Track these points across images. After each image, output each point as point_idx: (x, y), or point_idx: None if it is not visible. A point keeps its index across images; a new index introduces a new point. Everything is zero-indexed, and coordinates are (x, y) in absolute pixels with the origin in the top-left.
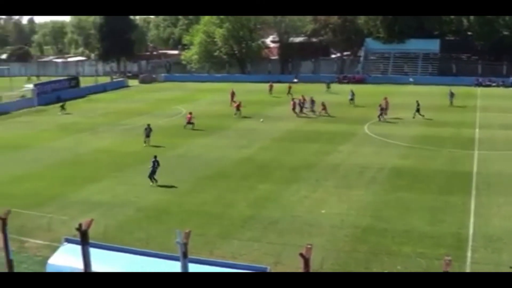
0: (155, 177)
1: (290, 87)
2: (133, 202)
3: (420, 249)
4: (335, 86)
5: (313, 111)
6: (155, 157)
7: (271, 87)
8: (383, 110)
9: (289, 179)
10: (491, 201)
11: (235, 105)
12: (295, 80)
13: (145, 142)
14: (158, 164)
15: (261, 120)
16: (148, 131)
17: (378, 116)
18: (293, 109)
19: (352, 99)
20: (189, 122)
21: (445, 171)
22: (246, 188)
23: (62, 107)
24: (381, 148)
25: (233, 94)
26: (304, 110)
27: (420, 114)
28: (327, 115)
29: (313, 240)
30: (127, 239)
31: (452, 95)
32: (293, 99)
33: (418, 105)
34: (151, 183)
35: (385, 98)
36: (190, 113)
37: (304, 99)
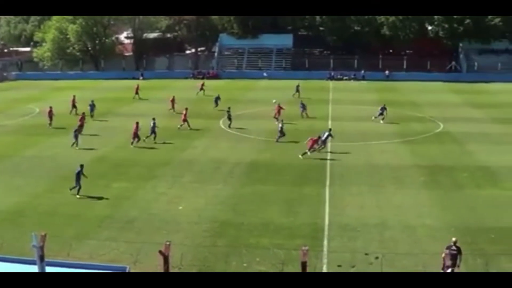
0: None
1: (203, 84)
2: None
3: (278, 240)
4: (190, 82)
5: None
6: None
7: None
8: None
9: (145, 177)
10: (344, 191)
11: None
12: (141, 78)
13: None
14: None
15: (274, 100)
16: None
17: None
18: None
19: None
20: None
21: (300, 163)
22: (101, 187)
23: None
24: (237, 142)
25: (74, 101)
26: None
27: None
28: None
29: (172, 237)
30: None
31: (304, 106)
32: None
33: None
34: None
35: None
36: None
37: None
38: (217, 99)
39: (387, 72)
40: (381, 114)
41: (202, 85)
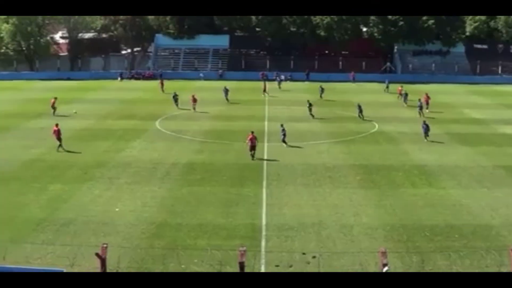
0: None
1: (162, 83)
2: None
3: (215, 241)
4: (127, 83)
5: None
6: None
7: None
8: (422, 107)
9: (81, 179)
10: (281, 191)
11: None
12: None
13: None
14: None
15: (74, 111)
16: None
17: (419, 112)
18: None
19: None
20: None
21: (237, 163)
22: (36, 189)
23: None
24: (174, 143)
25: (54, 103)
26: None
27: (311, 114)
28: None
29: (109, 239)
30: None
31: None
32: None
33: (310, 105)
34: None
35: (426, 94)
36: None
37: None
38: (176, 97)
39: (307, 72)
40: (360, 112)
41: (162, 82)
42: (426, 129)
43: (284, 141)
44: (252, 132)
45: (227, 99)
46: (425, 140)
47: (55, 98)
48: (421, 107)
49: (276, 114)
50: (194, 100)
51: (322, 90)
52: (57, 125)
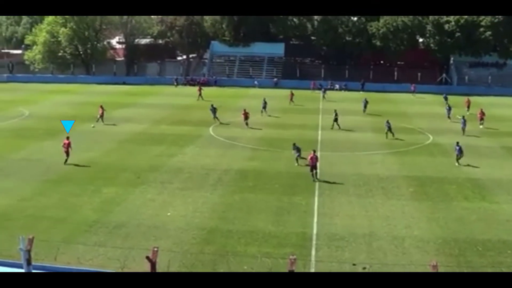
0: None
1: (200, 90)
2: None
3: (266, 249)
4: (182, 89)
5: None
6: None
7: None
8: (466, 124)
9: (134, 182)
10: (333, 200)
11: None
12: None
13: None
14: None
15: (92, 126)
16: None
17: (462, 130)
18: None
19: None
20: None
21: (289, 172)
22: (90, 192)
23: None
24: (227, 150)
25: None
26: None
27: (338, 124)
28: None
29: (160, 243)
30: None
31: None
32: None
33: (336, 114)
34: None
35: (481, 109)
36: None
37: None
38: (214, 109)
39: (362, 82)
40: (389, 128)
41: (200, 89)
42: (459, 152)
43: (296, 159)
44: (314, 151)
45: (262, 111)
46: (457, 164)
47: (101, 107)
48: (464, 124)
49: (330, 123)
50: (246, 115)
51: (366, 103)
52: (68, 138)
